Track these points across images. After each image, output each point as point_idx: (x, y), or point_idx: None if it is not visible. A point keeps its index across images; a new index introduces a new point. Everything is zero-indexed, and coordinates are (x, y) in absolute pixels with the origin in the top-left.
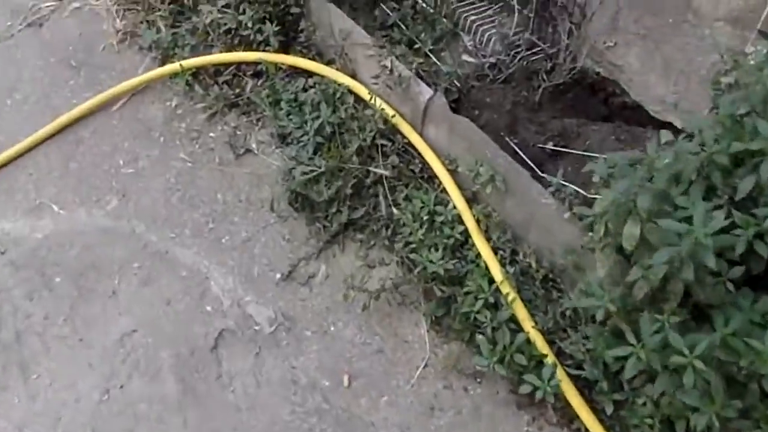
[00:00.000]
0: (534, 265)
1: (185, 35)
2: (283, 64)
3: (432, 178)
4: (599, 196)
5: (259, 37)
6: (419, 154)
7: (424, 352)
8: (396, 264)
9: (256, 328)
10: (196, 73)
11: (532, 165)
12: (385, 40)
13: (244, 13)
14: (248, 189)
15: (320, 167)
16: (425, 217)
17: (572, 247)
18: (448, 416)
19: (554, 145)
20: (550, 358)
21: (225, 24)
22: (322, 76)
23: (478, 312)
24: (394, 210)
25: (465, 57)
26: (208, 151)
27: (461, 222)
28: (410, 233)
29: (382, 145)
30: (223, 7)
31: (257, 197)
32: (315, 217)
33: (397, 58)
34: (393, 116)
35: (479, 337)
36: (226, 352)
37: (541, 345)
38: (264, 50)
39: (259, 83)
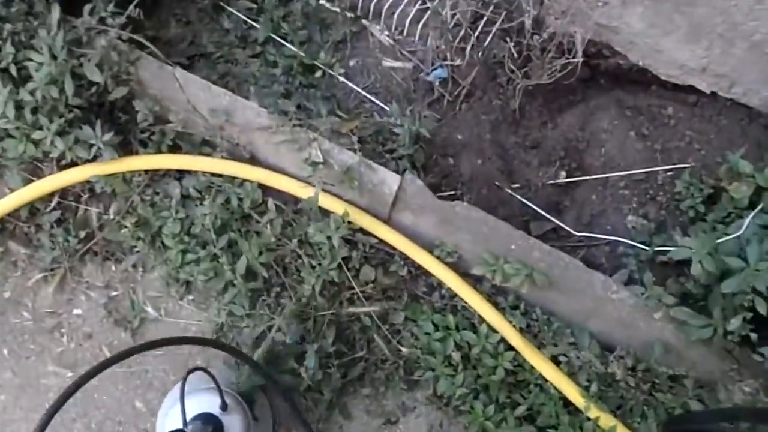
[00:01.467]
0: (620, 372)
1: None
2: (134, 172)
3: (423, 275)
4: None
5: (82, 152)
6: (396, 250)
7: None
8: (425, 403)
9: None
10: (3, 226)
11: (557, 221)
12: (261, 65)
13: (38, 124)
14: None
15: (284, 334)
16: (453, 353)
17: (669, 346)
18: None
19: (567, 175)
20: None
21: (15, 148)
22: (207, 174)
23: None
24: (402, 348)
25: (387, 62)
26: (85, 341)
27: (503, 340)
28: (438, 376)
29: (344, 258)
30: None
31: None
32: (293, 389)
33: (321, 133)
34: (346, 215)
35: None
36: None
37: None
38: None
39: (110, 210)
